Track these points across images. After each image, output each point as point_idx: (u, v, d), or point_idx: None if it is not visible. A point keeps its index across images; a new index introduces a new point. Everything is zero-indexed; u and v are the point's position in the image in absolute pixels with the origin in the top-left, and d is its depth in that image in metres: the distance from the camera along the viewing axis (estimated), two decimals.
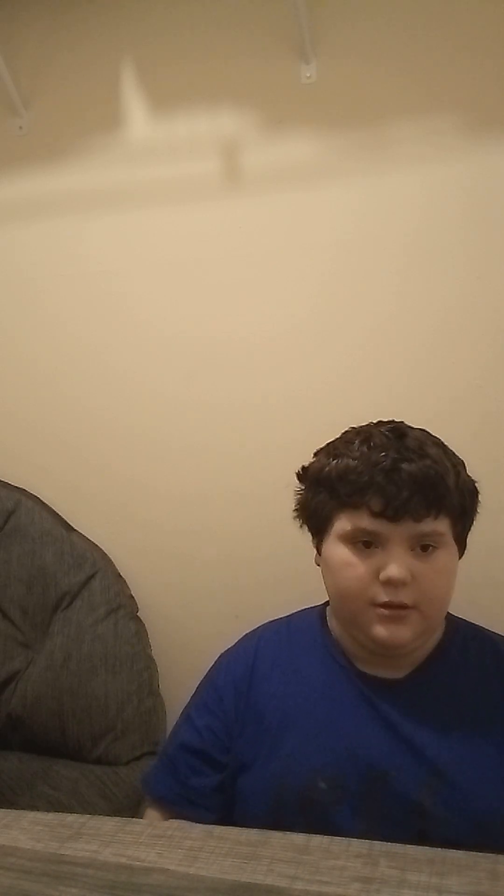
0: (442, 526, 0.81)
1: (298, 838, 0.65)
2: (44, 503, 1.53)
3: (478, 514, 0.89)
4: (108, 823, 0.70)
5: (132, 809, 1.26)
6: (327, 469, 0.85)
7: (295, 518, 0.92)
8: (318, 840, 0.65)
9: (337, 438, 0.90)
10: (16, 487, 1.54)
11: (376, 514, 0.79)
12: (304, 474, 0.91)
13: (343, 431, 0.91)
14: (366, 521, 0.80)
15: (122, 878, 0.60)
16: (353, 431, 0.89)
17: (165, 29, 1.45)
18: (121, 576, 1.48)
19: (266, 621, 1.01)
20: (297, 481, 0.92)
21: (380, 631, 0.80)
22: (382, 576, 0.78)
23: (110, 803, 1.26)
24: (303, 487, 0.91)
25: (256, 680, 0.89)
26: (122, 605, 1.42)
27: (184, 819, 0.82)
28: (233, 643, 1.00)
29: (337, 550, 0.83)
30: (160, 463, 1.49)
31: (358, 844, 0.63)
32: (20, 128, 1.55)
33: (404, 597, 0.78)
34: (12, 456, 1.58)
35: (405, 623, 0.79)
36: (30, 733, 1.37)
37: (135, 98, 1.48)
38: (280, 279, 1.40)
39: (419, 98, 1.31)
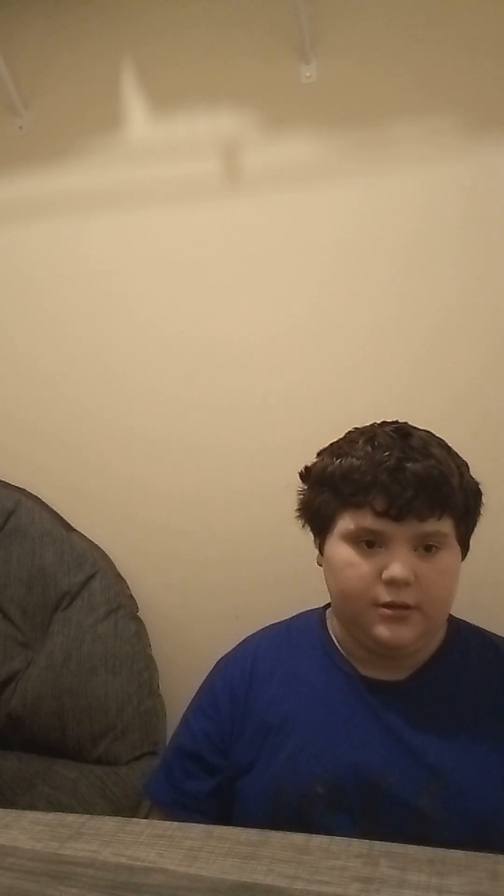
0: (445, 526, 0.81)
1: (298, 838, 0.65)
2: (44, 503, 1.53)
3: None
4: (108, 823, 0.69)
5: (132, 809, 1.26)
6: (331, 468, 0.85)
7: (297, 518, 0.92)
8: (318, 840, 0.65)
9: (340, 438, 0.90)
10: (16, 487, 1.54)
11: (380, 514, 0.79)
12: (307, 474, 0.91)
13: (346, 432, 0.91)
14: (369, 521, 0.80)
15: (122, 878, 0.60)
16: (357, 431, 0.88)
17: (165, 29, 1.45)
18: (121, 576, 1.48)
19: (266, 623, 1.01)
20: (300, 481, 0.92)
21: (382, 631, 0.79)
22: (385, 575, 0.78)
23: (110, 803, 1.26)
24: (305, 487, 0.91)
25: (255, 683, 0.89)
26: (122, 605, 1.42)
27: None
28: (233, 643, 1.00)
29: (339, 550, 0.83)
30: (160, 463, 1.49)
31: (358, 844, 0.63)
32: (20, 128, 1.55)
33: (407, 597, 0.78)
34: (12, 456, 1.57)
35: (407, 623, 0.79)
36: (30, 733, 1.37)
37: (135, 98, 1.48)
38: (280, 279, 1.40)
39: (419, 98, 1.31)
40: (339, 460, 0.84)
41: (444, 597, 0.82)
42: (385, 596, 0.78)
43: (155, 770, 0.95)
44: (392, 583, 0.78)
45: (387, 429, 0.85)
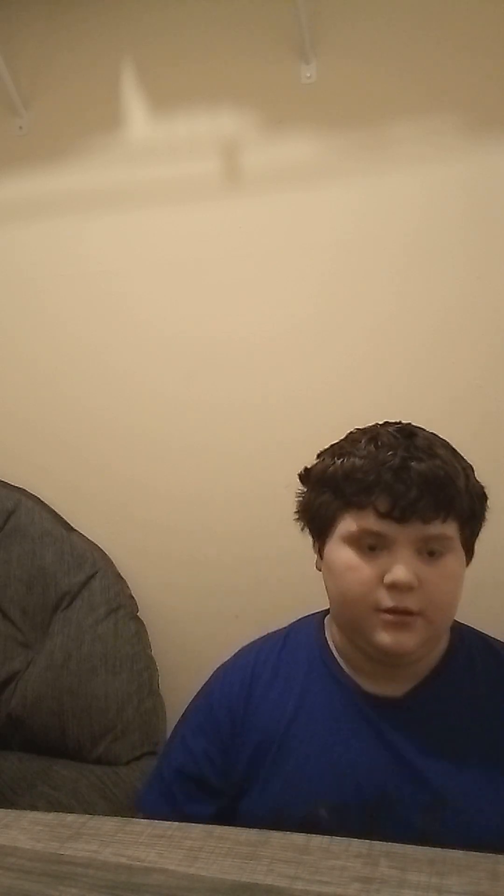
0: (450, 529, 0.78)
1: (298, 838, 0.65)
2: (44, 503, 1.53)
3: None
4: (108, 823, 0.69)
5: (132, 809, 1.26)
6: (332, 468, 0.82)
7: (296, 521, 0.89)
8: (318, 840, 0.65)
9: (342, 439, 0.87)
10: (16, 487, 1.54)
11: (383, 515, 0.76)
12: (306, 475, 0.88)
13: (348, 433, 0.88)
14: (372, 522, 0.76)
15: (122, 878, 0.60)
16: (359, 432, 0.85)
17: (165, 29, 1.45)
18: (121, 576, 1.48)
19: (266, 623, 0.99)
20: (300, 483, 0.89)
21: (384, 637, 0.76)
22: (387, 579, 0.75)
23: (110, 803, 1.25)
24: (305, 489, 0.88)
25: (253, 699, 0.86)
26: (122, 605, 1.42)
27: None
28: (233, 643, 0.99)
29: (340, 553, 0.79)
30: (160, 463, 1.49)
31: (358, 844, 0.63)
32: (20, 128, 1.55)
33: (410, 602, 0.75)
34: (12, 456, 1.57)
35: (410, 630, 0.76)
36: (30, 733, 1.37)
37: (135, 98, 1.48)
38: (280, 279, 1.40)
39: (419, 98, 1.31)
40: (340, 460, 0.81)
41: (448, 602, 0.79)
42: (387, 601, 0.75)
43: (148, 787, 0.91)
44: (395, 587, 0.74)
45: (390, 429, 0.82)
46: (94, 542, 1.49)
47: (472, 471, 0.85)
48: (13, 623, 1.44)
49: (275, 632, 0.94)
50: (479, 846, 0.71)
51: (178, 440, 1.47)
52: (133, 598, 1.47)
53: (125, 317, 1.50)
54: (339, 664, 0.85)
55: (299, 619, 0.94)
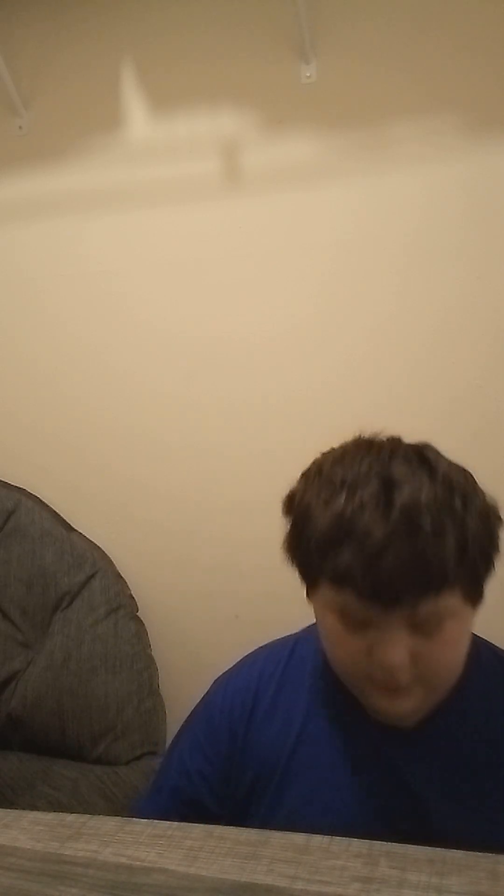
0: (447, 599, 0.66)
1: (298, 838, 0.65)
2: (44, 503, 1.53)
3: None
4: (108, 823, 0.69)
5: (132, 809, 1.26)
6: (301, 524, 0.70)
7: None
8: (318, 840, 0.64)
9: (323, 467, 0.72)
10: (16, 487, 1.54)
11: (364, 598, 0.65)
12: (289, 506, 0.74)
13: (333, 455, 0.73)
14: (352, 603, 0.66)
15: (122, 878, 0.60)
16: (340, 466, 0.70)
17: (165, 29, 1.45)
18: (121, 576, 1.48)
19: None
20: (283, 511, 0.75)
21: (379, 702, 0.70)
22: (376, 658, 0.66)
23: (110, 803, 1.26)
24: (288, 522, 0.74)
25: (255, 721, 0.80)
26: (122, 605, 1.42)
27: None
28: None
29: (326, 619, 0.71)
30: (160, 463, 1.49)
31: (358, 844, 0.63)
32: (20, 128, 1.55)
33: (403, 678, 0.66)
34: (12, 456, 1.58)
35: (408, 696, 0.69)
36: (30, 733, 1.37)
37: (135, 98, 1.48)
38: (280, 279, 1.40)
39: (419, 98, 1.31)
40: (310, 515, 0.68)
41: (450, 668, 0.71)
42: (379, 674, 0.67)
43: (147, 799, 0.86)
44: (383, 668, 0.66)
45: (374, 471, 0.67)
46: (94, 542, 1.49)
47: (480, 512, 0.69)
48: (13, 623, 1.44)
49: (282, 639, 0.88)
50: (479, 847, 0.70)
51: (178, 440, 1.47)
52: (133, 598, 1.47)
53: (125, 317, 1.50)
54: (343, 687, 0.77)
55: (307, 629, 0.85)
